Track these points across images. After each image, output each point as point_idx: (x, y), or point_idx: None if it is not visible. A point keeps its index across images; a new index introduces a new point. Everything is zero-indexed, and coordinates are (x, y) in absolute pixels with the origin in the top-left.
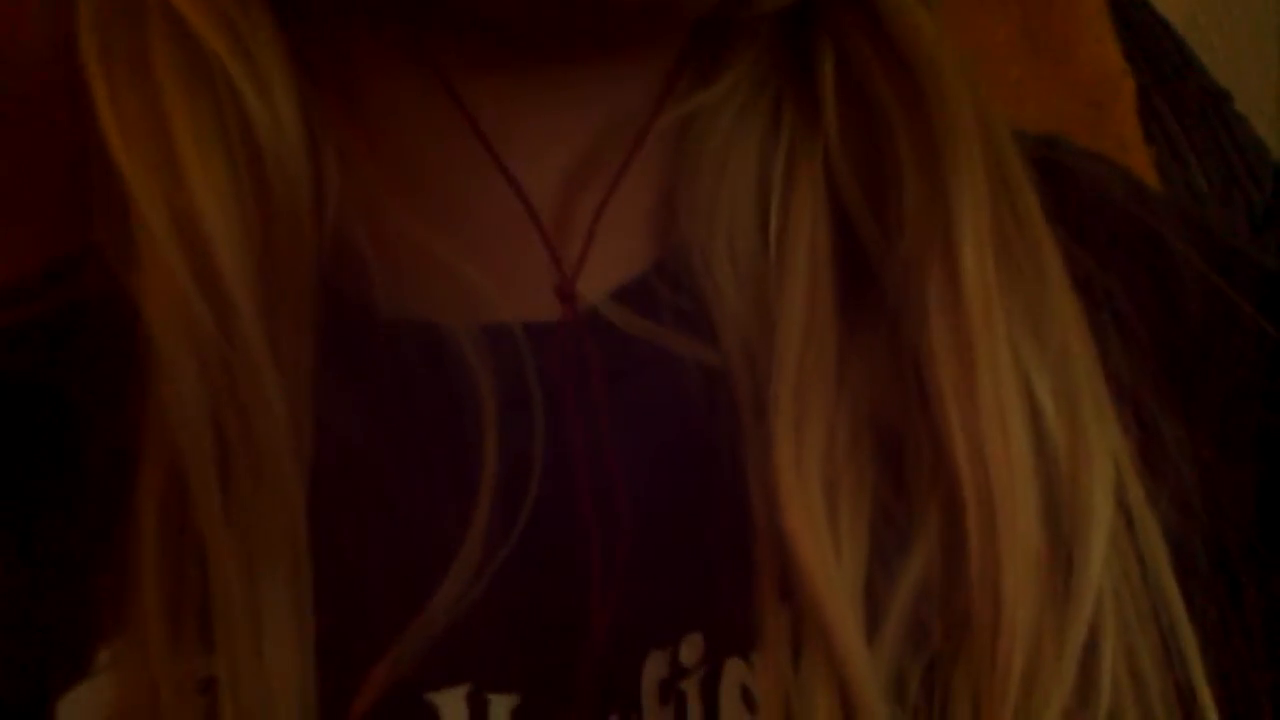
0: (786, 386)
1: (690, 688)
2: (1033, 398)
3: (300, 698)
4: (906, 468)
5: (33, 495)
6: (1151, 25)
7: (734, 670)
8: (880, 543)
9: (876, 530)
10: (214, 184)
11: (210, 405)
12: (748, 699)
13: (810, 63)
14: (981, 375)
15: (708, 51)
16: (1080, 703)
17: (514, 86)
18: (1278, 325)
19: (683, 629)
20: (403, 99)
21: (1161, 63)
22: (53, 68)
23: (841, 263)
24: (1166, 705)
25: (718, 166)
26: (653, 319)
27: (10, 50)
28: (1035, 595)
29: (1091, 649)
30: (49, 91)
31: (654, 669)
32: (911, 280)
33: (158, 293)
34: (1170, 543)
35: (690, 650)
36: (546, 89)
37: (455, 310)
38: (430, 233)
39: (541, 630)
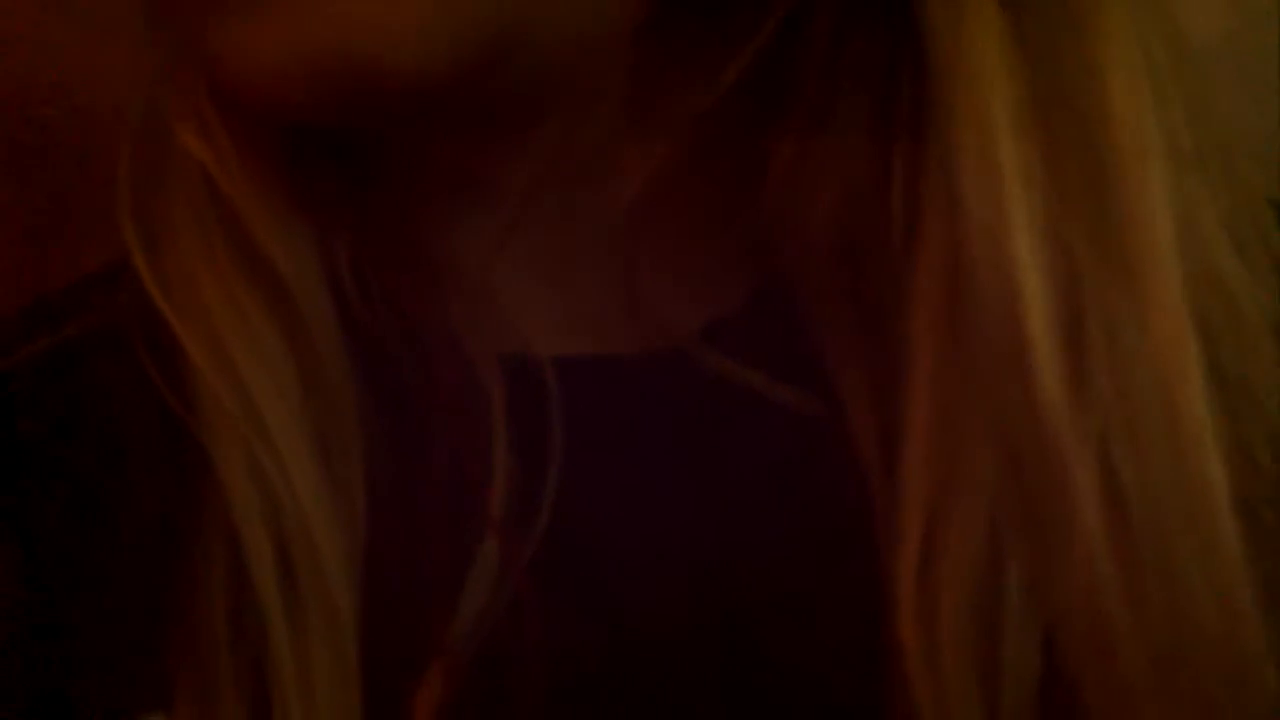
0: (917, 451)
1: None
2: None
3: None
4: None
5: (71, 542)
6: None
7: None
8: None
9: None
10: (237, 313)
11: (264, 511)
12: None
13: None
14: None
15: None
16: None
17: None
18: None
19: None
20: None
21: None
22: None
23: None
24: None
25: (811, 159)
26: (748, 358)
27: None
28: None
29: None
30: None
31: None
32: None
33: (208, 418)
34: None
35: None
36: (497, 156)
37: (482, 336)
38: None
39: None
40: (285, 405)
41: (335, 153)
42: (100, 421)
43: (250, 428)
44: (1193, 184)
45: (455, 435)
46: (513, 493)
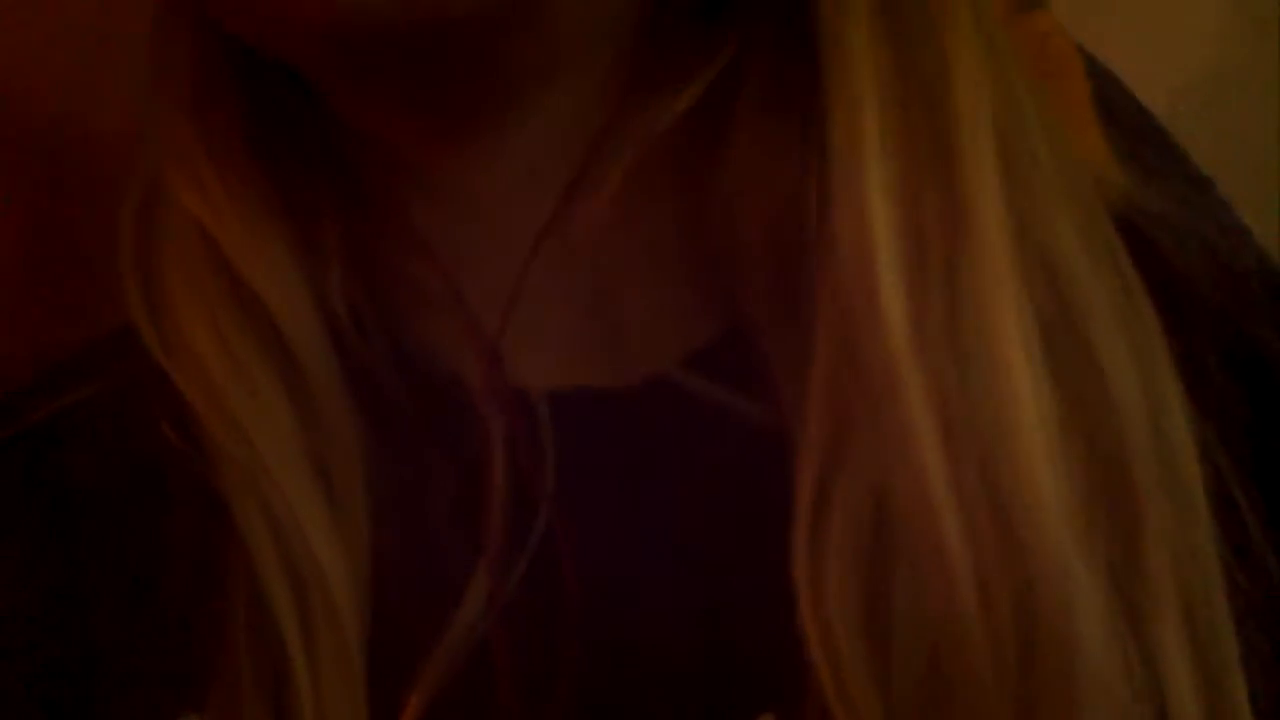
0: (811, 451)
1: None
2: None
3: None
4: None
5: (104, 562)
6: (1134, 113)
7: None
8: None
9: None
10: (233, 363)
11: (276, 546)
12: None
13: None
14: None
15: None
16: None
17: (430, 163)
18: None
19: (754, 708)
20: (368, 196)
21: (1144, 149)
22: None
23: None
24: None
25: (741, 194)
26: (727, 383)
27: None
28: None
29: None
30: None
31: None
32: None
33: (220, 468)
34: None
35: None
36: (466, 153)
37: (473, 366)
38: (447, 301)
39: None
40: (285, 448)
41: (328, 188)
42: (133, 466)
43: (255, 470)
44: (1026, 167)
45: (453, 466)
46: (507, 522)
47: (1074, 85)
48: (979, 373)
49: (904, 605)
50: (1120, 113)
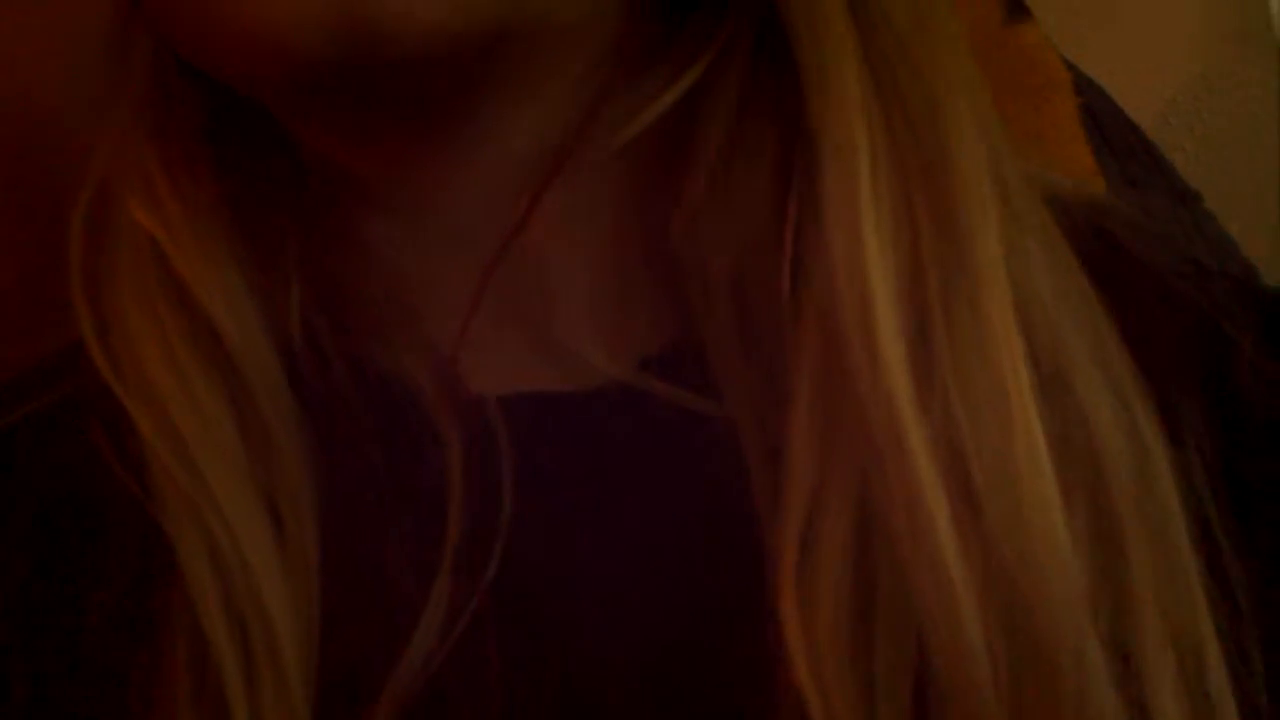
0: (796, 465)
1: None
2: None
3: None
4: None
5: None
6: (1121, 127)
7: None
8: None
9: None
10: (183, 384)
11: (218, 584)
12: None
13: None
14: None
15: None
16: None
17: (389, 169)
18: None
19: None
20: (326, 207)
21: (1131, 164)
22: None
23: None
24: None
25: (715, 205)
26: (686, 385)
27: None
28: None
29: None
30: None
31: None
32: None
33: (163, 497)
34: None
35: None
36: (420, 158)
37: (429, 378)
38: (398, 314)
39: None
40: (232, 474)
41: (283, 207)
42: (64, 499)
43: (200, 498)
44: (1017, 213)
45: (411, 486)
46: (466, 534)
47: (1062, 100)
48: (981, 415)
49: (895, 639)
50: (1108, 127)
